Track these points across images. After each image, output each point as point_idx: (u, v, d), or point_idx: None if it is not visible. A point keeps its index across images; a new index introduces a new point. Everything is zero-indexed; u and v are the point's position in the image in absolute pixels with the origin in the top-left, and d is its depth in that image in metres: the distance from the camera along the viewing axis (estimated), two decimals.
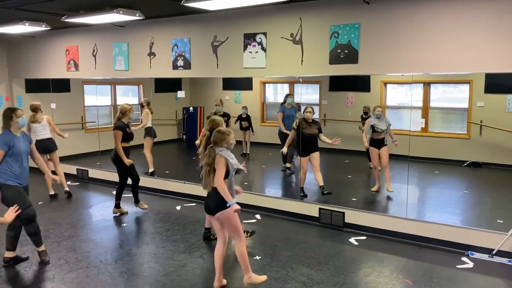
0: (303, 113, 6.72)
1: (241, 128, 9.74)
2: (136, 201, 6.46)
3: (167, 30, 6.98)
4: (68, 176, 8.06)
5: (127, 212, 6.42)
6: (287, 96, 8.57)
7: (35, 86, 9.35)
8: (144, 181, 7.13)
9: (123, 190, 6.39)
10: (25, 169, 4.59)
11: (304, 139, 6.57)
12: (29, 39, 8.82)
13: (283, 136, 7.91)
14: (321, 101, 10.64)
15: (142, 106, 8.60)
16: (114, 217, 6.27)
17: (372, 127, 6.81)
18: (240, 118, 9.78)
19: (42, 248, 4.72)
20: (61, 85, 9.36)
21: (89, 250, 5.03)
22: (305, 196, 6.57)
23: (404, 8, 4.94)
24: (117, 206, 6.41)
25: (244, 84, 11.30)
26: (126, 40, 7.47)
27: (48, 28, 7.22)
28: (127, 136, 6.18)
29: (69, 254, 4.89)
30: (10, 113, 4.53)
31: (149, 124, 8.36)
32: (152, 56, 7.20)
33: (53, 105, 8.83)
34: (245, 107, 9.89)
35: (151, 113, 8.41)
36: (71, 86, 9.73)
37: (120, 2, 5.66)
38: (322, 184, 6.55)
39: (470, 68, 4.67)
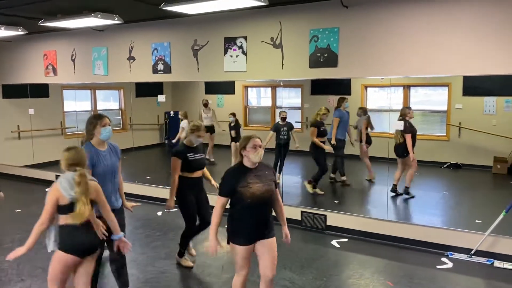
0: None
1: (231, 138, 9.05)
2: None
3: (146, 34, 6.93)
4: (46, 182, 7.92)
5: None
6: (344, 100, 7.67)
7: (13, 91, 9.18)
8: (125, 187, 7.01)
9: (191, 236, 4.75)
10: (115, 192, 3.70)
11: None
12: (5, 44, 8.65)
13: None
14: (303, 104, 10.68)
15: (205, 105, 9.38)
16: None
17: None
18: (229, 126, 9.07)
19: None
20: (40, 90, 9.20)
21: None
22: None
23: (382, 12, 5.00)
24: (181, 254, 4.73)
25: (226, 88, 11.28)
26: (105, 45, 7.38)
27: (25, 33, 7.10)
28: (190, 165, 4.45)
29: (47, 262, 4.75)
30: (95, 120, 3.59)
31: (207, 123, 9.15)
32: (131, 61, 7.14)
33: (31, 111, 8.69)
34: (232, 114, 9.09)
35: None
36: (49, 91, 9.57)
37: (99, 6, 5.60)
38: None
39: (448, 71, 4.75)
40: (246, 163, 3.24)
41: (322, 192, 7.00)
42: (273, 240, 3.34)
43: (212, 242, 3.26)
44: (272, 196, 3.29)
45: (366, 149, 7.59)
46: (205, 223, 4.54)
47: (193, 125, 4.48)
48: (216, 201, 3.27)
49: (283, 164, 7.61)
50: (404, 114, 6.64)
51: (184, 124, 8.95)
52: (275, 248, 3.35)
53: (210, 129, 9.62)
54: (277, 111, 10.86)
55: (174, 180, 4.39)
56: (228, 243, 3.32)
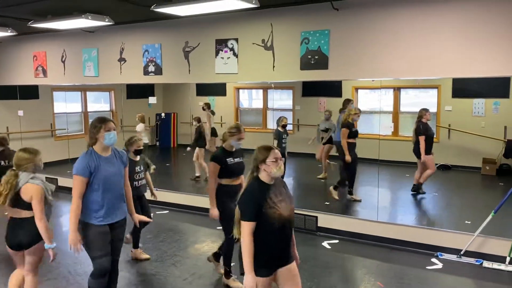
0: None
1: None
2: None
3: (137, 35, 6.90)
4: None
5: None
6: (350, 101, 7.61)
7: (2, 93, 9.07)
8: None
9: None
10: (118, 202, 3.46)
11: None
12: None
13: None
14: (294, 106, 10.71)
15: (203, 109, 9.16)
16: None
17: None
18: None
19: None
20: (29, 92, 9.12)
21: (59, 261, 4.88)
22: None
23: (373, 14, 5.04)
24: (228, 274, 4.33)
25: (217, 90, 11.26)
26: (96, 46, 7.35)
27: (15, 34, 7.04)
28: (230, 171, 4.16)
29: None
30: (99, 124, 3.32)
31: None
32: (122, 62, 7.11)
33: (20, 113, 8.60)
34: (196, 119, 8.73)
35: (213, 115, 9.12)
36: (39, 92, 9.49)
37: (89, 8, 5.58)
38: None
39: (438, 73, 4.80)
40: (264, 178, 2.80)
41: (360, 198, 6.82)
42: (294, 265, 2.93)
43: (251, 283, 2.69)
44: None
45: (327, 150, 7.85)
46: None
47: (232, 127, 4.15)
48: (243, 229, 2.71)
49: (284, 173, 7.50)
50: (421, 116, 6.77)
51: (139, 128, 8.71)
52: (298, 273, 2.94)
53: (215, 132, 9.55)
54: (269, 113, 10.90)
55: (212, 188, 4.11)
56: (242, 273, 2.79)
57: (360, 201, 6.70)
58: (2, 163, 5.57)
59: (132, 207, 3.68)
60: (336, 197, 6.65)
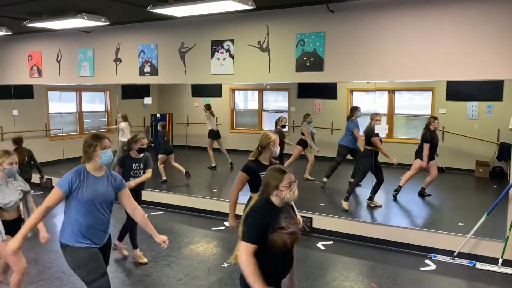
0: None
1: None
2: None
3: (133, 36, 6.90)
4: (31, 184, 7.81)
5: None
6: (357, 109, 7.69)
7: None
8: None
9: None
10: (104, 225, 3.18)
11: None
12: None
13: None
14: (289, 108, 10.74)
15: (204, 111, 9.48)
16: None
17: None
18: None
19: None
20: (24, 92, 9.07)
21: (52, 261, 4.88)
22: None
23: (368, 17, 5.07)
24: None
25: (213, 90, 11.29)
26: (92, 46, 7.34)
27: (9, 33, 7.01)
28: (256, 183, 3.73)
29: (31, 265, 4.72)
30: (94, 142, 3.11)
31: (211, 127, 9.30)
32: (118, 62, 7.10)
33: (15, 112, 8.56)
34: (161, 125, 8.78)
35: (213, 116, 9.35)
36: (34, 92, 9.45)
37: (85, 7, 5.57)
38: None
39: (433, 76, 4.83)
40: (275, 201, 2.60)
41: (380, 204, 6.74)
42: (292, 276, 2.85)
43: None
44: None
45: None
46: None
47: (268, 136, 3.79)
48: (242, 250, 2.47)
49: None
50: (429, 123, 6.87)
51: (123, 125, 8.85)
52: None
53: (216, 134, 9.55)
54: (265, 114, 10.93)
55: (233, 198, 3.85)
56: None
57: (380, 206, 6.65)
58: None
59: (152, 228, 3.43)
60: (347, 208, 6.41)
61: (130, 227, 4.87)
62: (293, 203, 2.84)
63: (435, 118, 6.94)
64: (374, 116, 6.39)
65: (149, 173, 4.99)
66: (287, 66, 5.62)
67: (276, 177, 2.58)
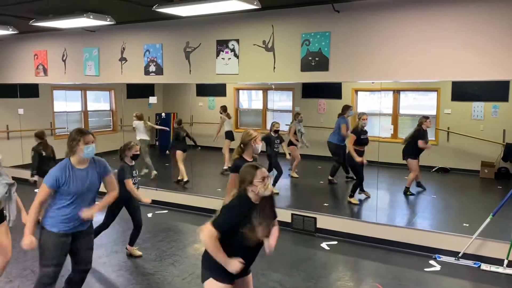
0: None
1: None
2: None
3: (139, 35, 6.92)
4: (35, 183, 7.85)
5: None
6: (349, 108, 7.85)
7: (2, 91, 9.08)
8: None
9: None
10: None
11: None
12: None
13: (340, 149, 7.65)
14: (294, 108, 10.73)
15: (220, 112, 9.30)
16: None
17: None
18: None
19: None
20: (29, 91, 9.12)
21: None
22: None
23: (374, 17, 5.06)
24: None
25: (217, 90, 11.29)
26: (97, 45, 7.36)
27: (16, 32, 7.05)
28: None
29: (36, 263, 4.70)
30: (78, 136, 3.27)
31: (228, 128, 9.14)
32: (123, 62, 7.12)
33: (20, 111, 8.61)
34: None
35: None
36: (39, 91, 9.50)
37: (91, 7, 5.59)
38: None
39: (438, 76, 4.82)
40: (252, 197, 2.73)
41: (369, 195, 6.89)
42: (250, 276, 2.96)
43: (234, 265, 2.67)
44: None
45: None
46: None
47: (249, 133, 3.97)
48: (207, 231, 2.61)
49: (281, 174, 7.54)
50: (421, 123, 7.01)
51: (135, 124, 8.69)
52: (251, 283, 2.99)
53: (230, 135, 9.35)
54: (269, 114, 10.93)
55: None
56: (205, 279, 2.77)
57: (357, 204, 6.73)
58: (44, 153, 6.23)
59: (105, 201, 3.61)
60: (357, 202, 6.68)
61: (136, 230, 4.95)
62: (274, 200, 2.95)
63: (427, 117, 7.07)
64: (361, 116, 6.64)
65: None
66: (292, 66, 5.62)
67: (250, 172, 2.72)
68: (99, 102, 11.30)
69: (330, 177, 7.92)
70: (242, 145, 3.95)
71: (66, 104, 9.57)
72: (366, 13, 5.10)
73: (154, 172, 8.39)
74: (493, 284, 4.36)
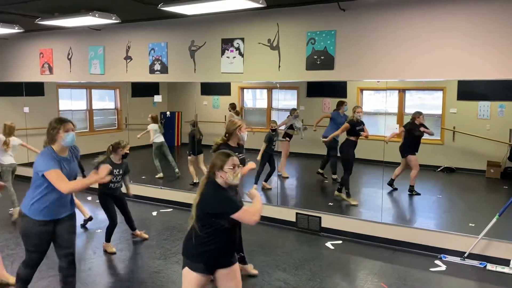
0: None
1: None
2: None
3: (144, 34, 6.93)
4: None
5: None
6: (343, 103, 8.01)
7: (8, 89, 9.12)
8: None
9: None
10: (67, 200, 3.51)
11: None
12: (1, 41, 8.61)
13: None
14: (298, 106, 10.71)
15: (229, 110, 9.15)
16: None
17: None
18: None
19: None
20: (35, 89, 9.15)
21: None
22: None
23: (379, 15, 5.04)
24: None
25: (222, 89, 11.29)
26: (102, 44, 7.37)
27: (22, 31, 7.07)
28: None
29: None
30: (58, 125, 3.37)
31: None
32: (128, 60, 7.13)
33: (26, 109, 8.64)
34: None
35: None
36: (45, 89, 9.53)
37: (96, 5, 5.60)
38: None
39: (444, 75, 4.79)
40: (222, 183, 2.82)
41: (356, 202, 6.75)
42: (236, 267, 2.95)
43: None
44: None
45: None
46: None
47: (233, 122, 4.16)
48: (249, 213, 2.73)
49: (274, 170, 7.60)
50: (414, 118, 7.09)
51: (149, 127, 8.46)
52: (239, 274, 2.98)
53: None
54: (274, 113, 10.90)
55: None
56: (183, 267, 2.85)
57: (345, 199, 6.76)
58: None
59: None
60: (355, 202, 6.61)
61: (112, 224, 5.14)
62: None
63: (420, 113, 7.12)
64: (356, 108, 6.69)
65: (127, 179, 5.39)
66: (297, 65, 5.61)
67: (221, 159, 2.80)
68: (104, 100, 11.32)
69: (320, 170, 8.17)
70: (227, 134, 4.11)
71: (71, 102, 9.59)
72: (372, 11, 5.07)
73: (160, 174, 8.40)
74: (499, 285, 4.33)
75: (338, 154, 7.46)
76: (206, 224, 2.76)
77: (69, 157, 3.43)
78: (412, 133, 7.00)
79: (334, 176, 7.91)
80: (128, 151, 5.09)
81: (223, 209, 2.73)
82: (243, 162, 4.20)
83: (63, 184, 3.23)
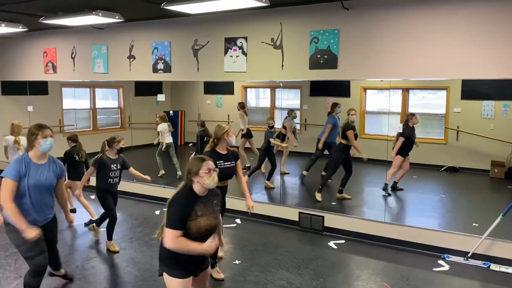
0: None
1: None
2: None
3: (147, 33, 6.93)
4: None
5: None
6: (337, 105, 7.89)
7: (12, 88, 9.16)
8: (123, 186, 7.01)
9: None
10: (47, 207, 3.55)
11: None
12: (5, 41, 8.64)
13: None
14: (302, 106, 10.70)
15: (237, 109, 9.06)
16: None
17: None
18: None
19: None
20: (39, 88, 9.18)
21: (66, 255, 4.93)
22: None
23: (383, 14, 5.02)
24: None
25: (225, 88, 11.28)
26: (106, 43, 7.39)
27: (25, 30, 7.10)
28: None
29: None
30: (36, 131, 3.40)
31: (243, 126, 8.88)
32: (132, 59, 7.14)
33: (30, 108, 8.67)
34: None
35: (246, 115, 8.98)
36: (49, 88, 9.56)
37: (100, 4, 5.61)
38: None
39: (448, 74, 4.77)
40: (197, 189, 2.81)
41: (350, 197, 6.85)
42: (207, 270, 3.03)
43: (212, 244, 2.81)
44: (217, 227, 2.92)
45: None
46: None
47: (221, 127, 4.17)
48: (167, 235, 2.70)
49: (275, 168, 7.62)
50: (407, 120, 7.01)
51: (161, 127, 8.31)
52: (208, 277, 3.09)
53: (249, 133, 9.13)
54: (277, 112, 10.89)
55: None
56: (161, 274, 2.87)
57: (350, 199, 6.78)
58: (77, 158, 6.07)
59: (67, 211, 3.90)
60: (320, 199, 6.66)
61: (109, 223, 5.14)
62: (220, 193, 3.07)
63: (413, 114, 7.08)
64: (350, 111, 6.65)
65: (134, 170, 5.34)
66: (301, 64, 5.60)
67: (196, 164, 2.81)
68: (107, 99, 11.35)
69: (305, 172, 8.18)
70: (215, 140, 4.15)
71: (75, 101, 9.62)
72: (375, 10, 5.06)
73: (162, 172, 8.40)
74: (503, 285, 4.31)
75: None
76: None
77: (44, 165, 3.45)
78: (409, 137, 6.91)
79: (304, 173, 8.09)
80: (123, 145, 5.08)
81: (168, 217, 2.75)
82: (230, 171, 4.19)
83: (3, 194, 3.25)
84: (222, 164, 4.08)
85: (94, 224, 5.57)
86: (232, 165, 4.22)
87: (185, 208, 2.73)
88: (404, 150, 6.94)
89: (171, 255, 2.75)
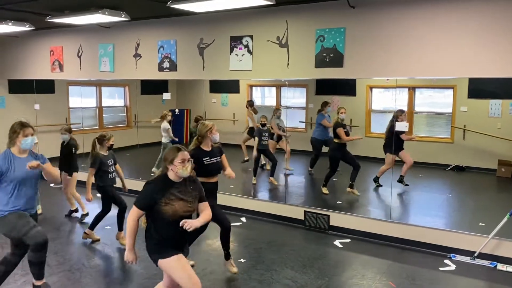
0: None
1: None
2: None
3: (153, 31, 6.95)
4: None
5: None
6: (327, 104, 8.20)
7: (19, 87, 9.22)
8: (128, 184, 7.04)
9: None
10: (31, 200, 3.75)
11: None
12: (12, 39, 8.70)
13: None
14: (307, 104, 10.67)
15: (246, 107, 9.13)
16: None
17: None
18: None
19: (43, 281, 3.86)
20: (45, 86, 9.24)
21: (71, 253, 4.97)
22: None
23: (389, 13, 5.00)
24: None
25: (231, 87, 11.28)
26: (112, 41, 7.41)
27: (32, 28, 7.14)
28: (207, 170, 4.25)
29: (51, 257, 4.81)
30: (18, 129, 3.62)
31: (253, 124, 8.87)
32: (137, 58, 7.16)
33: (37, 106, 8.72)
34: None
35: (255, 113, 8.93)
36: (55, 87, 9.61)
37: (106, 3, 5.62)
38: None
39: (454, 73, 4.74)
40: (172, 176, 3.01)
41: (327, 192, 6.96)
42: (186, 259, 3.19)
43: (130, 254, 3.11)
44: (195, 212, 3.11)
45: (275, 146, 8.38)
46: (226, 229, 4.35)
47: (204, 125, 4.29)
48: (131, 213, 2.99)
49: (276, 162, 7.68)
50: (396, 116, 6.95)
51: (164, 126, 8.47)
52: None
53: (252, 132, 9.19)
54: (282, 110, 10.88)
55: None
56: (156, 264, 3.04)
57: (358, 195, 6.85)
58: (74, 150, 6.27)
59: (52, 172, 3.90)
60: (327, 192, 6.89)
61: (118, 213, 5.28)
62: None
63: (402, 111, 7.12)
64: (339, 109, 6.85)
65: (119, 168, 5.42)
66: (306, 62, 5.59)
67: (172, 153, 3.00)
68: (113, 98, 11.38)
69: (310, 169, 8.30)
70: (199, 137, 4.25)
71: (81, 100, 9.65)
72: (382, 9, 5.03)
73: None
74: (509, 285, 4.28)
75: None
76: (152, 217, 3.01)
77: (27, 159, 3.62)
78: (397, 134, 6.89)
79: (310, 170, 8.15)
80: (113, 143, 5.23)
81: (138, 196, 3.02)
82: (218, 166, 4.31)
83: None
84: (209, 160, 4.22)
85: (87, 230, 5.44)
86: (218, 159, 4.32)
87: (157, 190, 2.95)
88: (389, 147, 6.92)
89: (155, 241, 3.00)
